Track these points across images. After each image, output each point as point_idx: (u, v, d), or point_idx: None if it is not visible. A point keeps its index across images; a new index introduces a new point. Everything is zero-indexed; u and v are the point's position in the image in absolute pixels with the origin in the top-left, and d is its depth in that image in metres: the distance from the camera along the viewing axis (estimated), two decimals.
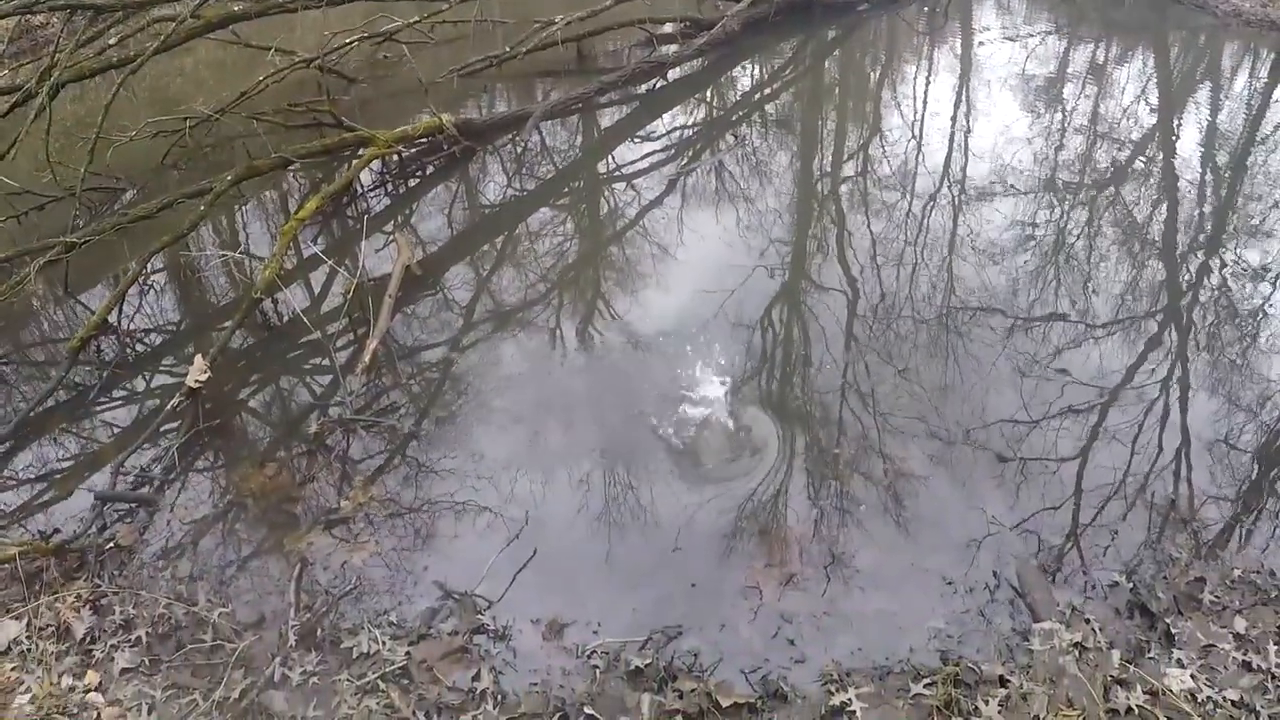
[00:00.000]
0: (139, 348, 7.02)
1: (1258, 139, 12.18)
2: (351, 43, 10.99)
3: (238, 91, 9.79)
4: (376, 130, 8.92)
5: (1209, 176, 10.40)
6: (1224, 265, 7.96)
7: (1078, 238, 8.29)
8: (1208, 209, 9.37)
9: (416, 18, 11.09)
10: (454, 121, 9.26)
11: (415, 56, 10.91)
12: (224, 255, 8.12)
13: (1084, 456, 5.50)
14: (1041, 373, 6.19)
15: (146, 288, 7.69)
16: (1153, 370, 6.35)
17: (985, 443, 5.57)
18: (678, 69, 12.13)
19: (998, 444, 5.57)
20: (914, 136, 10.69)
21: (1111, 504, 5.15)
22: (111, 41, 9.64)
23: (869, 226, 8.33)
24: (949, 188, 9.21)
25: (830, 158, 10.46)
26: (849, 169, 9.99)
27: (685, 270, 7.69)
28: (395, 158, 9.31)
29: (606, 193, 9.43)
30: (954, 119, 11.39)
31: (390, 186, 9.32)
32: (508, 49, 11.16)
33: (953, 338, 6.61)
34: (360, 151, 8.91)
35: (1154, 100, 13.29)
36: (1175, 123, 12.43)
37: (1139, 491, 5.22)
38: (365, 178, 9.12)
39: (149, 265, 7.45)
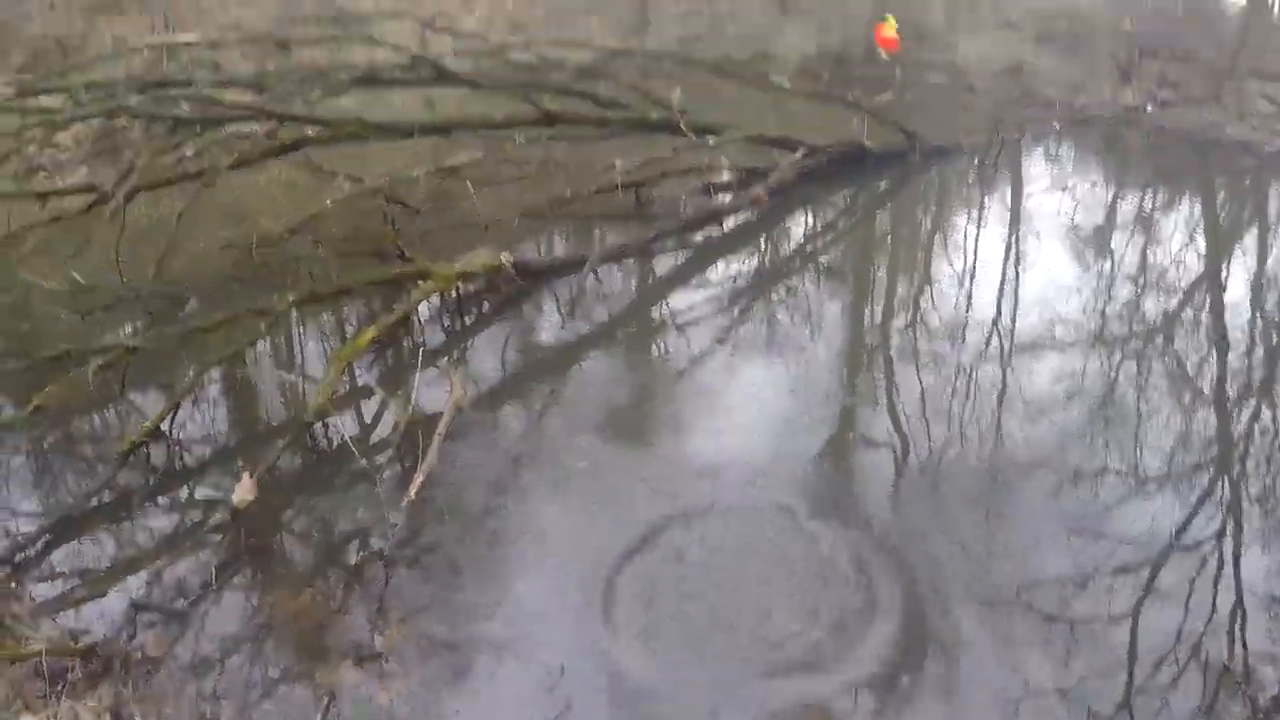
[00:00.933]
0: (187, 458, 7.05)
1: None
2: (418, 175, 11.24)
3: (306, 212, 10.12)
4: (436, 264, 9.01)
5: (1259, 323, 10.36)
6: (1277, 415, 7.89)
7: (1127, 390, 8.20)
8: (1259, 356, 9.31)
9: (482, 154, 11.32)
10: (512, 261, 9.36)
11: (479, 193, 11.19)
12: (279, 375, 8.19)
13: (1134, 617, 5.34)
14: (1092, 529, 6.07)
15: (200, 399, 7.74)
16: (1205, 525, 6.17)
17: (1033, 602, 5.43)
18: (733, 218, 12.25)
19: (1046, 604, 5.43)
20: (964, 287, 10.72)
21: (1163, 667, 5.00)
22: (189, 153, 9.94)
23: (919, 377, 8.27)
24: (998, 339, 9.17)
25: (881, 309, 10.47)
26: (900, 320, 9.99)
27: (735, 420, 7.58)
28: (453, 293, 9.39)
29: (660, 339, 9.45)
30: (1004, 270, 11.42)
31: (446, 321, 9.39)
32: (568, 192, 11.32)
33: (1001, 493, 6.51)
34: (419, 283, 8.98)
35: (1202, 246, 13.32)
36: (1224, 269, 12.43)
37: (1191, 653, 5.06)
38: (422, 310, 9.19)
39: (205, 379, 7.52)
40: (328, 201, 10.27)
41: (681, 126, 12.26)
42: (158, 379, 8.07)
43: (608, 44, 22.72)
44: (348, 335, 8.83)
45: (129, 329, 7.81)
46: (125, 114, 9.21)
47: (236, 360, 7.72)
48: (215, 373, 7.96)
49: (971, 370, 8.45)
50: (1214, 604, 5.42)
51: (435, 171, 11.42)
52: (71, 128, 10.23)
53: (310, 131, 10.64)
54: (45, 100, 9.80)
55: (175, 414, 6.99)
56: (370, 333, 7.77)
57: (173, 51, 14.58)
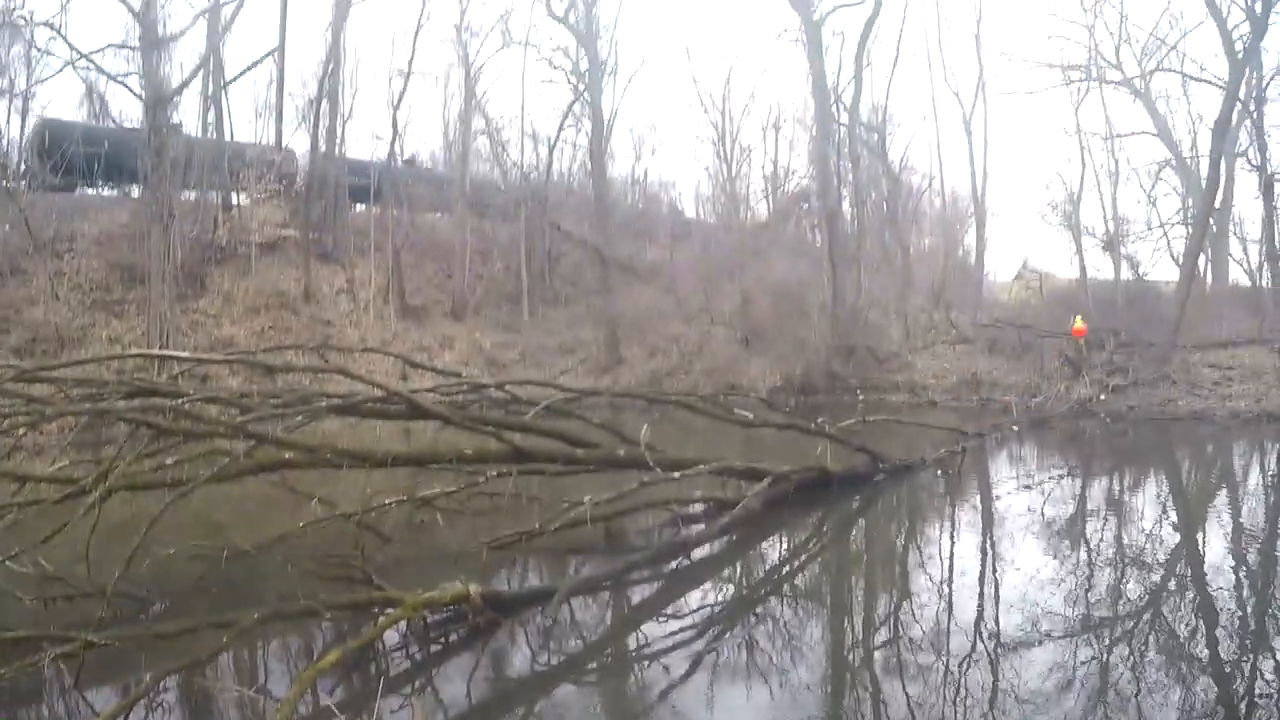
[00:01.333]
0: None
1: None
2: (390, 503, 11.45)
3: (278, 531, 10.21)
4: (405, 593, 8.96)
5: (1244, 580, 10.34)
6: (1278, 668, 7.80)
7: (1122, 673, 8.08)
8: (1249, 612, 9.25)
9: (454, 487, 11.60)
10: (481, 592, 9.28)
11: (450, 524, 11.42)
12: (238, 690, 7.98)
13: None
14: None
15: (154, 705, 7.40)
16: None
17: None
18: (704, 547, 12.30)
19: None
20: (942, 595, 10.59)
21: None
22: (169, 461, 10.06)
23: (905, 690, 8.06)
24: (983, 642, 9.02)
25: (861, 625, 10.29)
26: (881, 634, 9.75)
27: None
28: (421, 621, 9.29)
29: (634, 670, 9.25)
30: (981, 572, 11.39)
31: (413, 649, 9.23)
32: (538, 525, 11.41)
33: None
34: (387, 610, 8.92)
35: (1174, 517, 13.45)
36: (1200, 535, 12.55)
37: None
38: (389, 637, 9.03)
39: (161, 684, 7.29)
40: (300, 523, 10.38)
41: (649, 462, 12.47)
42: (113, 678, 7.82)
43: (581, 383, 23.53)
44: (312, 656, 8.64)
45: (90, 623, 7.65)
46: (112, 417, 9.40)
47: (195, 670, 7.52)
48: (172, 680, 7.70)
49: (960, 676, 8.27)
50: None
51: (408, 501, 11.71)
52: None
53: (288, 455, 10.91)
54: (36, 389, 10.08)
55: (127, 716, 6.72)
56: (334, 655, 7.59)
57: (164, 362, 15.06)
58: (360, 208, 43.90)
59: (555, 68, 41.58)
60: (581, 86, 40.45)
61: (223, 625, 7.81)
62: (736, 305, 34.40)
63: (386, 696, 7.62)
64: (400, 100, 41.23)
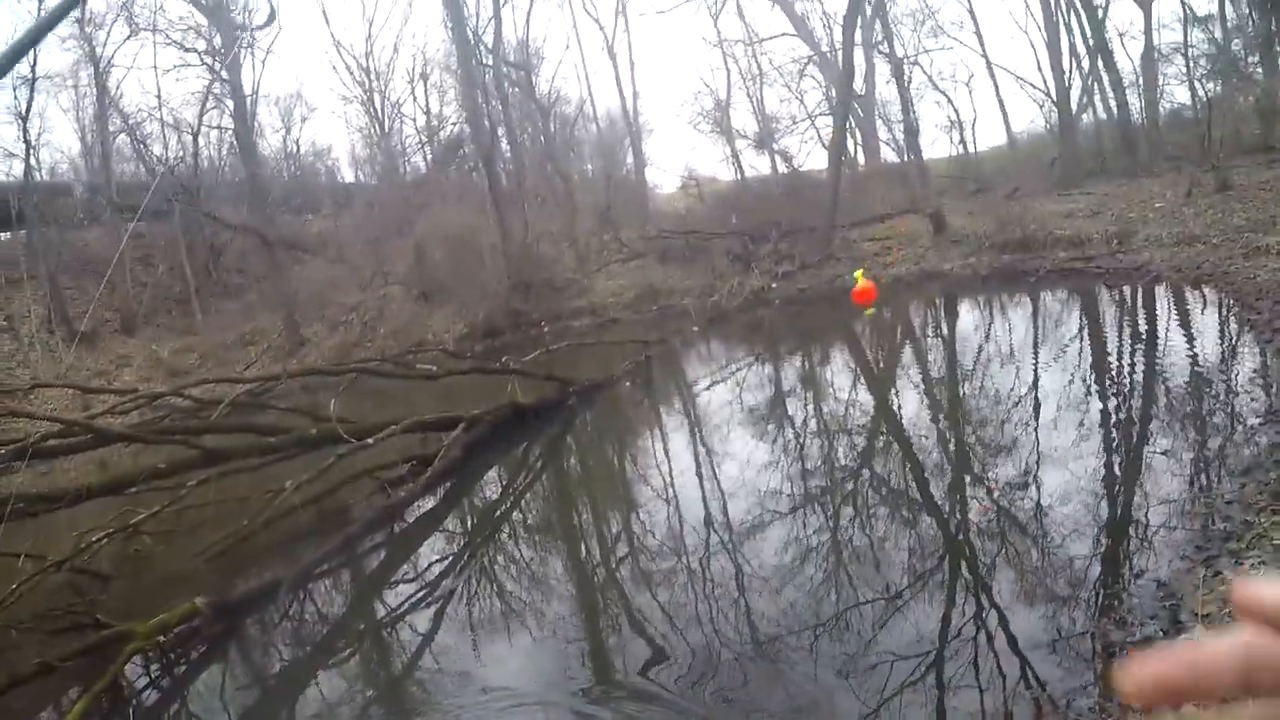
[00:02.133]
0: None
1: (963, 373, 13.18)
2: (101, 540, 10.61)
3: None
4: (134, 624, 8.46)
5: (939, 424, 11.04)
6: (989, 492, 8.31)
7: (852, 530, 8.40)
8: (952, 450, 9.84)
9: (158, 506, 10.93)
10: (208, 603, 8.86)
11: (166, 544, 10.88)
12: None
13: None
14: (869, 661, 6.04)
15: None
16: (965, 611, 6.32)
17: None
18: (420, 504, 12.08)
19: None
20: (667, 499, 10.70)
21: None
22: None
23: (655, 598, 8.08)
24: (717, 533, 9.19)
25: (597, 544, 10.33)
26: (620, 549, 9.73)
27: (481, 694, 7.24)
28: (158, 648, 8.78)
29: (384, 639, 9.00)
30: (697, 468, 11.59)
31: (159, 676, 8.74)
32: (245, 522, 10.94)
33: (776, 668, 6.39)
34: (123, 647, 8.38)
35: (864, 381, 14.18)
36: (891, 392, 13.32)
37: None
38: (133, 672, 8.51)
39: None
40: (13, 585, 9.55)
41: (341, 434, 12.14)
42: None
43: (264, 371, 22.63)
44: (61, 715, 8.05)
45: None
46: None
47: None
48: None
49: (704, 570, 8.33)
50: (1002, 672, 5.43)
51: (117, 533, 10.89)
52: None
53: None
54: None
55: None
56: (81, 705, 7.11)
57: None
58: (4, 235, 40.67)
59: (188, 49, 39.08)
60: (218, 66, 38.34)
61: None
62: (410, 262, 33.81)
63: None
64: (29, 109, 37.87)
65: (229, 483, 12.12)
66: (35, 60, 36.86)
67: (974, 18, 38.31)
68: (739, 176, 40.38)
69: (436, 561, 10.38)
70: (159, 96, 40.34)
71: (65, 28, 36.43)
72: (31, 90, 37.50)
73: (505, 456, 14.00)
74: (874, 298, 18.80)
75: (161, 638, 8.59)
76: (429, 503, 12.15)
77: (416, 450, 13.34)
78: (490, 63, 37.20)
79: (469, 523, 12.03)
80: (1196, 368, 11.57)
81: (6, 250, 38.95)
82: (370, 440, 12.33)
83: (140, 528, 11.08)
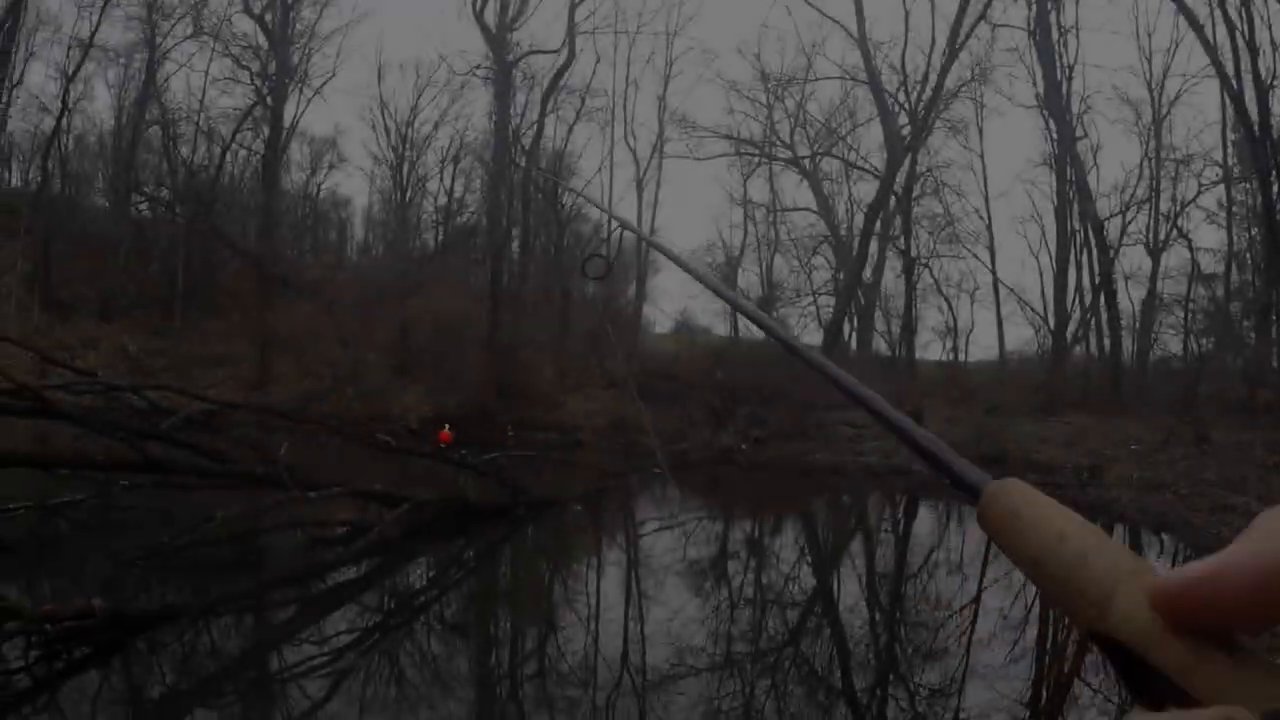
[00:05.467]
0: None
1: (908, 573, 13.14)
2: (18, 509, 10.70)
3: None
4: (23, 603, 8.19)
5: (875, 617, 10.98)
6: (909, 695, 8.18)
7: (765, 703, 8.25)
8: (881, 645, 9.77)
9: (84, 495, 10.82)
10: (104, 608, 8.59)
11: (79, 535, 10.79)
12: None
13: None
14: None
15: None
16: None
17: None
18: (343, 571, 11.85)
19: None
20: (589, 630, 10.53)
21: None
22: None
23: None
24: (630, 675, 9.04)
25: (508, 657, 10.14)
26: (529, 667, 9.57)
27: None
28: (42, 636, 8.45)
29: (271, 693, 8.73)
30: (626, 608, 11.44)
31: (34, 665, 8.41)
32: (167, 539, 10.69)
33: None
34: (5, 623, 8.08)
35: (810, 559, 14.10)
36: (835, 576, 13.25)
37: None
38: (10, 653, 8.20)
39: None
40: None
41: (285, 481, 11.99)
42: None
43: (226, 396, 22.41)
44: None
45: None
46: None
47: None
48: None
49: (608, 709, 8.22)
50: None
51: (35, 508, 10.67)
52: None
53: None
54: None
55: None
56: None
57: None
58: (15, 182, 40.58)
59: (243, 66, 39.63)
60: (266, 90, 38.85)
61: None
62: (395, 333, 33.83)
63: (7, 717, 6.90)
64: (76, 72, 38.19)
65: (160, 494, 11.92)
66: (96, 27, 37.44)
67: (990, 234, 38.99)
68: (733, 334, 40.80)
69: (344, 633, 10.10)
70: (201, 102, 40.60)
71: (133, 8, 36.89)
72: (84, 55, 37.93)
73: (441, 549, 13.80)
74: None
75: (48, 626, 8.32)
76: (353, 572, 11.91)
77: (354, 517, 13.16)
78: (523, 164, 37.71)
79: (386, 604, 11.77)
80: None
81: (14, 198, 38.71)
82: (313, 494, 12.15)
83: (60, 510, 10.85)
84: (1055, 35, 35.49)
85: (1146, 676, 0.50)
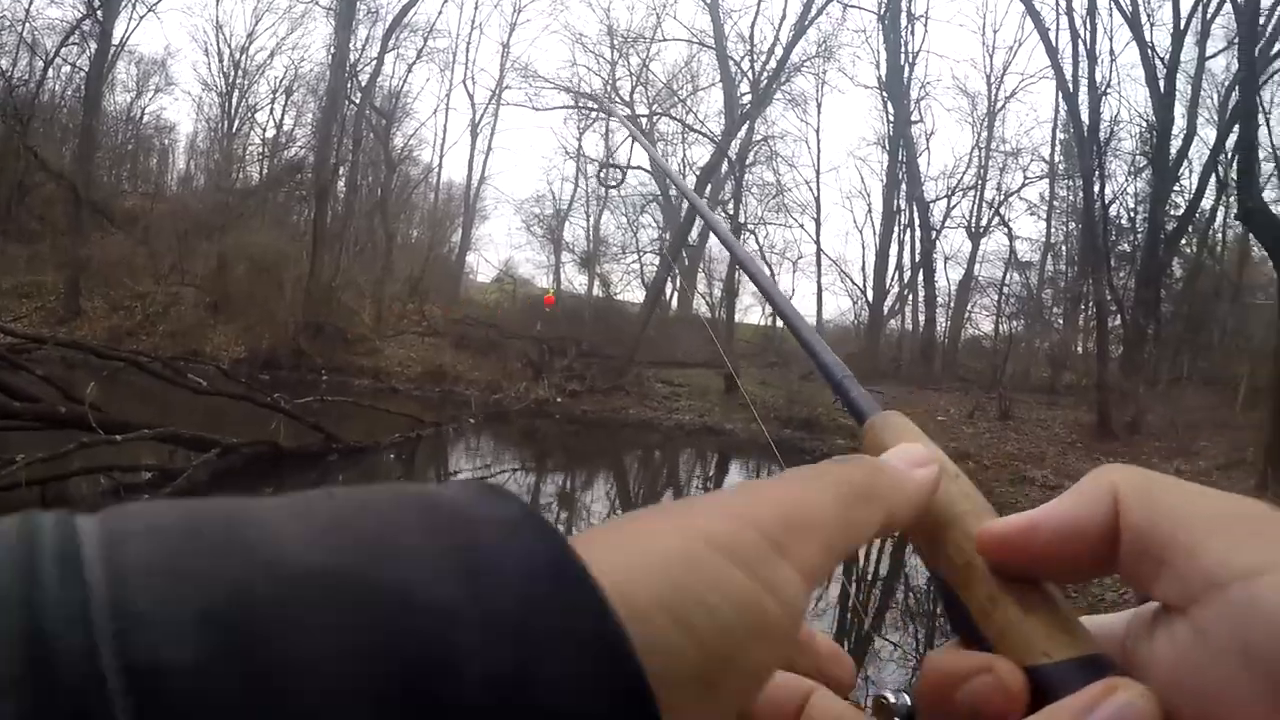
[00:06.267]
0: None
1: None
2: None
3: None
4: None
5: None
6: None
7: None
8: None
9: None
10: None
11: None
12: None
13: None
14: None
15: None
16: None
17: None
18: None
19: None
20: None
21: None
22: None
23: None
24: None
25: None
26: None
27: None
28: None
29: None
30: None
31: None
32: None
33: None
34: None
35: (620, 511, 14.75)
36: None
37: None
38: None
39: None
40: None
41: (90, 422, 11.96)
42: None
43: (31, 330, 21.77)
44: None
45: None
46: None
47: None
48: None
49: None
50: None
51: None
52: None
53: None
54: None
55: None
56: None
57: None
58: None
59: None
60: (97, 3, 37.13)
61: None
62: (211, 270, 33.15)
63: None
64: None
65: None
66: None
67: (818, 205, 40.37)
68: (555, 287, 41.16)
69: None
70: (27, 11, 38.61)
71: None
72: None
73: (249, 494, 13.93)
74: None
75: None
76: None
77: (163, 462, 13.26)
78: (358, 100, 37.26)
79: None
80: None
81: None
82: (119, 438, 12.14)
83: None
84: (904, 21, 37.17)
85: (962, 615, 0.53)
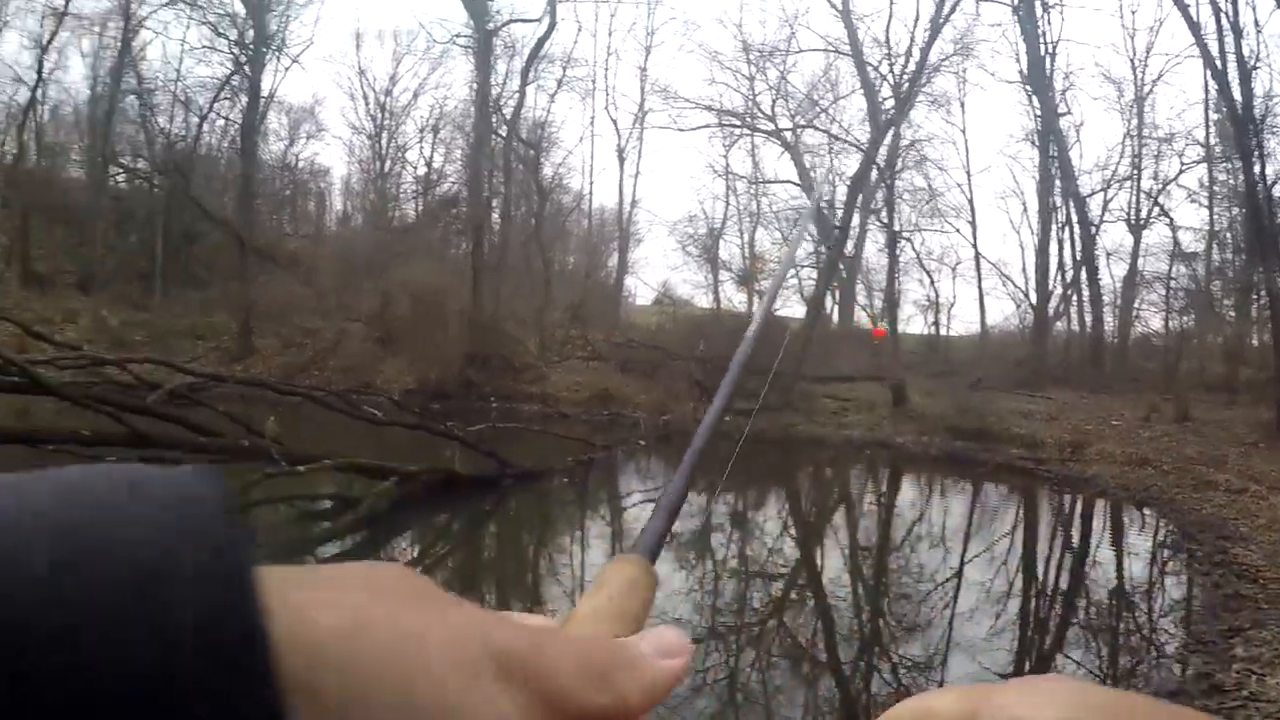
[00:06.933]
0: None
1: (892, 545, 13.27)
2: None
3: None
4: None
5: (859, 589, 11.11)
6: (893, 668, 8.32)
7: (750, 675, 8.37)
8: (865, 618, 9.91)
9: None
10: None
11: None
12: None
13: None
14: None
15: None
16: None
17: None
18: (330, 545, 11.90)
19: None
20: (573, 602, 10.64)
21: None
22: None
23: None
24: None
25: None
26: None
27: None
28: None
29: None
30: None
31: None
32: None
33: None
34: None
35: (795, 531, 14.20)
36: (819, 548, 13.36)
37: None
38: None
39: None
40: None
41: (273, 454, 12.04)
42: None
43: (208, 369, 22.35)
44: None
45: None
46: None
47: None
48: None
49: None
50: None
51: None
52: None
53: None
54: None
55: None
56: None
57: None
58: None
59: (220, 34, 39.07)
60: (244, 59, 38.45)
61: None
62: (376, 305, 33.76)
63: None
64: (50, 42, 37.81)
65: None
66: None
67: (972, 208, 39.03)
68: (715, 306, 40.77)
69: None
70: (179, 71, 40.24)
71: None
72: (58, 24, 37.67)
73: (426, 521, 13.90)
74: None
75: None
76: (340, 546, 11.98)
77: (342, 490, 13.25)
78: (504, 134, 37.58)
79: None
80: (1124, 587, 11.82)
81: None
82: (301, 468, 12.20)
83: None
84: (1039, 11, 35.53)
85: None
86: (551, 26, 36.63)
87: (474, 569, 12.67)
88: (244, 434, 13.20)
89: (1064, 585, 12.33)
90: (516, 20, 37.08)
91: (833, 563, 12.66)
